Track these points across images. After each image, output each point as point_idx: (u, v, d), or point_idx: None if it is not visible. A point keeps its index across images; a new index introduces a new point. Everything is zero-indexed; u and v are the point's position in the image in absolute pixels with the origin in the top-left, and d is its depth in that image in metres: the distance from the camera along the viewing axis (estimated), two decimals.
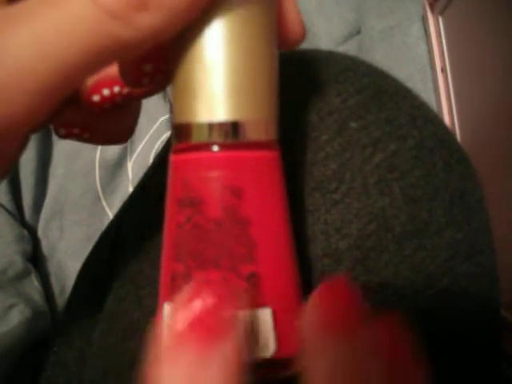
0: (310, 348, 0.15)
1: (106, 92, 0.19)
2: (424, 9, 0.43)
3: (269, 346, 0.16)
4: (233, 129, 0.15)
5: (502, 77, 0.33)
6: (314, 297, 0.16)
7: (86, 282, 0.31)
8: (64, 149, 0.50)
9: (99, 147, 0.52)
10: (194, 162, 0.16)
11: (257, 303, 0.16)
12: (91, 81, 0.19)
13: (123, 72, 0.18)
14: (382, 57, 0.43)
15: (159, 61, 0.17)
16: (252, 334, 0.15)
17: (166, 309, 0.16)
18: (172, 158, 0.17)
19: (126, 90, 0.19)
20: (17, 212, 0.47)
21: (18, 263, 0.42)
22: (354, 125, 0.23)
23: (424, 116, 0.24)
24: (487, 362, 0.23)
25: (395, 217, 0.22)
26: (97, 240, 0.33)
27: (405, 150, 0.23)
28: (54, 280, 0.47)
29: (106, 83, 0.19)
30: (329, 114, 0.23)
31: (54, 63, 0.13)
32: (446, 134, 0.24)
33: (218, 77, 0.15)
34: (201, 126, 0.16)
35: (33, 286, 0.43)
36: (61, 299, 0.46)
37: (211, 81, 0.15)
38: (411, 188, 0.22)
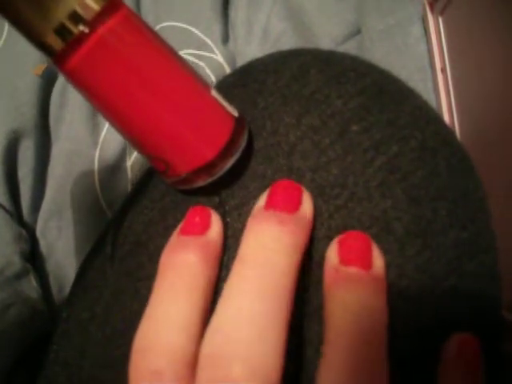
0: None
1: None
2: (424, 9, 0.43)
3: None
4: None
5: (502, 77, 0.33)
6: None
7: (85, 281, 0.31)
8: (63, 148, 0.50)
9: (98, 147, 0.51)
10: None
11: None
12: None
13: None
14: (381, 57, 0.43)
15: None
16: None
17: None
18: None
19: None
20: (15, 211, 0.47)
21: (16, 263, 0.42)
22: (355, 128, 0.23)
23: (426, 116, 0.24)
24: (487, 363, 0.23)
25: (397, 218, 0.22)
26: (95, 239, 0.33)
27: (407, 151, 0.23)
28: (52, 279, 0.46)
29: None
30: (331, 116, 0.23)
31: None
32: (447, 133, 0.24)
33: None
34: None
35: (31, 285, 0.42)
36: (59, 298, 0.46)
37: None
38: (414, 189, 0.22)
